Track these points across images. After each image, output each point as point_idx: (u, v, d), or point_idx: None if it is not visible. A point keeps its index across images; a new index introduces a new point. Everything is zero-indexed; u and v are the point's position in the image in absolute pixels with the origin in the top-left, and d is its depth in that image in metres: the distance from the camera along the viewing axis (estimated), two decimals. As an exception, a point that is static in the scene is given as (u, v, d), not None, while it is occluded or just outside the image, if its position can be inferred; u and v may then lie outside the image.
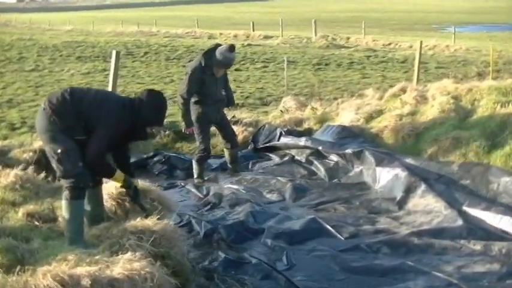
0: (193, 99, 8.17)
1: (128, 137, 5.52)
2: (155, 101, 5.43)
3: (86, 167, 5.19)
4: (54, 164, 5.21)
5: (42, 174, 7.18)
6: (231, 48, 8.02)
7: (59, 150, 5.12)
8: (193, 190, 7.89)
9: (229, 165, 8.87)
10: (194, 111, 8.21)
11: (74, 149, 5.18)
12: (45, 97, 5.40)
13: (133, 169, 6.09)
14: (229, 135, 8.67)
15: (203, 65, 8.02)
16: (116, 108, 5.29)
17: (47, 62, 24.35)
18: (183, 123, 8.28)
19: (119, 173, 5.47)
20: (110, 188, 5.92)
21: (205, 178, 8.51)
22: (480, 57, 24.85)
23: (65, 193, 5.18)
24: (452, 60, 24.56)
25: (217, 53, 7.99)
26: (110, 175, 5.45)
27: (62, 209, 5.29)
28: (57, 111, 5.18)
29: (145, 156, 9.58)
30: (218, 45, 8.21)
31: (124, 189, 5.68)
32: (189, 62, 8.44)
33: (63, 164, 5.13)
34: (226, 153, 8.81)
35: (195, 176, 8.49)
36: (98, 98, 5.34)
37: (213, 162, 9.32)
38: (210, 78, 8.10)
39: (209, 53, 8.07)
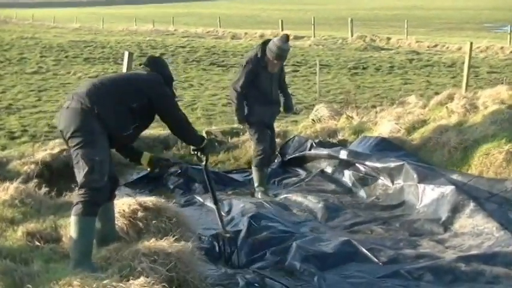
0: (246, 95, 8.28)
1: None
2: (160, 61, 6.13)
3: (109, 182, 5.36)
4: (81, 171, 5.21)
5: (45, 189, 7.23)
6: (285, 38, 8.18)
7: (97, 158, 5.21)
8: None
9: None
10: (248, 109, 8.32)
11: (108, 160, 5.36)
12: (74, 94, 5.47)
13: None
14: (270, 144, 8.68)
15: (259, 56, 8.18)
16: (154, 77, 5.80)
17: (51, 64, 24.63)
18: (236, 118, 8.45)
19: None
20: (122, 205, 5.97)
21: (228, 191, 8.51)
22: (542, 60, 24.69)
23: (77, 207, 5.17)
24: (508, 64, 24.45)
25: (271, 44, 8.16)
26: (200, 141, 6.12)
27: (70, 225, 5.29)
28: (101, 103, 5.35)
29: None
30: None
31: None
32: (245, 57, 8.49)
33: (93, 173, 5.19)
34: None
35: (256, 184, 8.54)
36: (133, 78, 5.94)
37: (237, 177, 9.37)
38: (265, 73, 8.23)
39: (265, 44, 8.24)
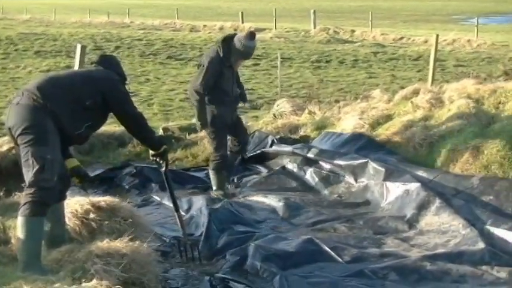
0: (207, 98, 8.17)
1: None
2: (112, 58, 6.29)
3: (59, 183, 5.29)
4: (30, 169, 5.16)
5: (-8, 189, 7.18)
6: (252, 35, 8.12)
7: (49, 156, 5.16)
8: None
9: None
10: (208, 112, 8.20)
11: (61, 159, 5.36)
12: (24, 90, 5.43)
13: None
14: (243, 140, 8.73)
15: (222, 55, 8.06)
16: (109, 74, 5.83)
17: (-1, 57, 24.34)
18: (198, 123, 8.29)
19: None
20: (74, 205, 5.94)
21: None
22: (508, 53, 25.02)
23: (24, 208, 5.11)
24: (475, 58, 24.77)
25: (236, 41, 8.06)
26: (159, 145, 6.18)
27: (18, 226, 5.23)
28: (55, 100, 5.32)
29: (111, 167, 9.58)
30: (234, 34, 8.30)
31: None
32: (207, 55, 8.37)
33: (44, 172, 5.14)
34: (231, 157, 8.75)
35: (214, 187, 8.48)
36: (86, 76, 5.92)
37: (196, 174, 9.38)
38: (228, 72, 8.17)
39: (227, 42, 8.13)
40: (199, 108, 8.15)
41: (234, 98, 8.45)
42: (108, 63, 5.99)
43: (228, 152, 8.62)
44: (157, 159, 6.20)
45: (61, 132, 5.33)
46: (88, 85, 5.60)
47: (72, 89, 5.50)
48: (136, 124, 5.89)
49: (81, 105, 5.46)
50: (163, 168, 6.25)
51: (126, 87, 6.01)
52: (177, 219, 6.42)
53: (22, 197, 5.27)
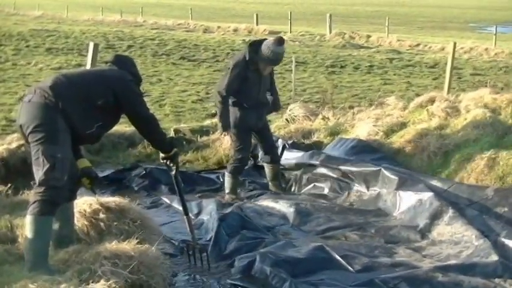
0: (231, 100, 8.22)
1: None
2: (127, 58, 6.29)
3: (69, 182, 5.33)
4: (41, 168, 5.20)
5: (0, 186, 7.19)
6: (280, 41, 8.09)
7: (59, 155, 5.20)
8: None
9: (269, 182, 8.88)
10: (231, 114, 8.25)
11: (72, 158, 5.39)
12: (36, 88, 5.46)
13: None
14: (268, 147, 8.70)
15: (247, 58, 8.08)
16: (122, 74, 5.81)
17: (10, 54, 24.45)
18: (219, 124, 8.36)
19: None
20: (83, 205, 5.95)
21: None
22: (527, 62, 24.93)
23: (33, 206, 5.15)
24: (492, 66, 24.68)
25: (264, 47, 8.04)
26: (170, 148, 6.17)
27: (26, 225, 5.27)
28: (67, 99, 5.35)
29: (121, 168, 9.60)
30: (264, 39, 8.29)
31: None
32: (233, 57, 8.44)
33: (54, 171, 5.17)
34: (266, 168, 8.82)
35: (227, 190, 8.51)
36: (99, 75, 5.91)
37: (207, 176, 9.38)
38: (254, 76, 8.17)
39: (255, 46, 8.14)
40: (221, 110, 8.19)
41: (260, 103, 8.40)
42: (123, 63, 5.98)
43: (264, 164, 8.77)
44: (168, 162, 6.21)
45: (72, 131, 5.36)
46: (100, 84, 5.61)
47: (84, 88, 5.52)
48: (147, 126, 5.89)
49: (93, 105, 5.47)
50: (174, 172, 6.27)
51: (140, 88, 6.02)
52: (186, 223, 6.42)
53: (31, 196, 5.29)
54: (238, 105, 8.24)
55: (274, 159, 8.75)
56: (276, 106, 8.87)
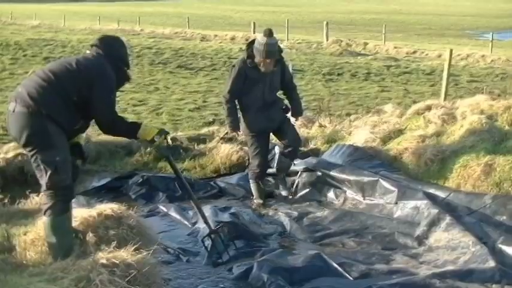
0: (238, 105, 8.34)
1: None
2: (114, 40, 5.91)
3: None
4: (44, 174, 5.28)
5: (-4, 196, 7.20)
6: (269, 32, 8.07)
7: (58, 158, 5.25)
8: (179, 217, 7.89)
9: (275, 170, 8.95)
10: (241, 119, 8.37)
11: (69, 157, 5.45)
12: (16, 97, 5.44)
13: None
14: (289, 142, 8.63)
15: (245, 58, 8.16)
16: (98, 62, 5.61)
17: (7, 63, 24.49)
18: (228, 125, 8.49)
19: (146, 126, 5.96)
20: (80, 211, 5.96)
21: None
22: (524, 69, 24.99)
23: (49, 211, 5.31)
24: (489, 73, 24.74)
25: (256, 43, 8.09)
26: (136, 131, 5.80)
27: (45, 229, 5.40)
28: (48, 104, 5.35)
29: (118, 176, 9.58)
30: None
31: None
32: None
33: (59, 173, 5.25)
34: (279, 159, 8.82)
35: (254, 197, 8.59)
36: (74, 65, 5.57)
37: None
38: (255, 74, 8.18)
39: (250, 45, 8.24)
40: (227, 111, 8.33)
41: (267, 104, 8.38)
42: (109, 46, 5.78)
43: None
44: (161, 144, 6.02)
45: (63, 129, 5.39)
46: (71, 80, 5.48)
47: (58, 87, 5.44)
48: (109, 129, 5.80)
49: (72, 101, 5.45)
50: (168, 154, 6.31)
51: (129, 72, 5.92)
52: (196, 209, 6.58)
53: (43, 199, 5.46)
54: (245, 110, 8.32)
55: (292, 155, 8.73)
56: (295, 110, 8.82)
